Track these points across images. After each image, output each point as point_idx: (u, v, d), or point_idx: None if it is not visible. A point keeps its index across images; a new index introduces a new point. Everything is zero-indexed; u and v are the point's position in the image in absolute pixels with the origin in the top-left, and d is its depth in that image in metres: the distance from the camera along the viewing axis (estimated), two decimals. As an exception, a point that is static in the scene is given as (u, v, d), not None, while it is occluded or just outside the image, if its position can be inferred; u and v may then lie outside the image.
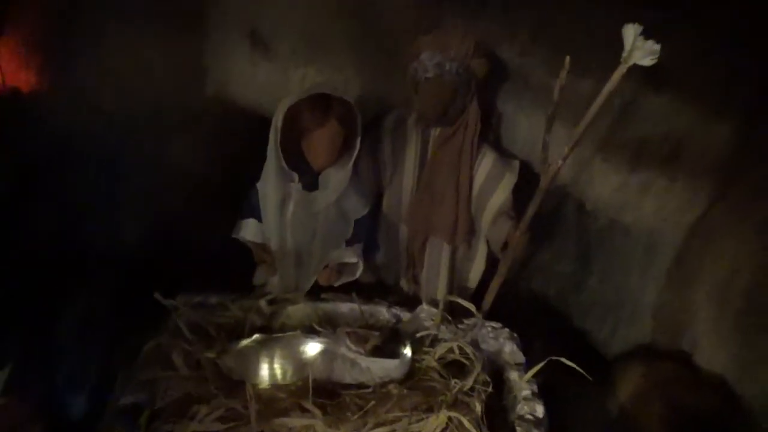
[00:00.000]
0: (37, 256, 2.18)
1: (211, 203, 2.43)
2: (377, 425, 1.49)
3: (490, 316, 2.04)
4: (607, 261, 2.54)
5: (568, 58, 1.58)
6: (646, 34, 1.50)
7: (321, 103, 1.83)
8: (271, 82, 2.31)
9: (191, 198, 2.48)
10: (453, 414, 1.51)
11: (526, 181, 2.16)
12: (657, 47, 1.44)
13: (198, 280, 2.03)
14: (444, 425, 1.51)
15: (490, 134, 2.31)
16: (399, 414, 1.52)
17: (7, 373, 0.62)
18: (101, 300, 2.11)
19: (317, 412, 1.50)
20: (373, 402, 1.57)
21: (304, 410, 1.52)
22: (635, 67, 1.55)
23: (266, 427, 1.47)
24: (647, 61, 1.47)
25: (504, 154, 2.26)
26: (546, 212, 2.37)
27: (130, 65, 2.23)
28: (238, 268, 2.26)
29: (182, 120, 2.36)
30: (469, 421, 1.50)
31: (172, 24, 2.19)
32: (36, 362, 1.77)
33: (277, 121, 1.85)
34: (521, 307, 2.58)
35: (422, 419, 1.51)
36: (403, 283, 2.38)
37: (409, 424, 1.50)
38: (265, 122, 2.01)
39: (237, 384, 1.61)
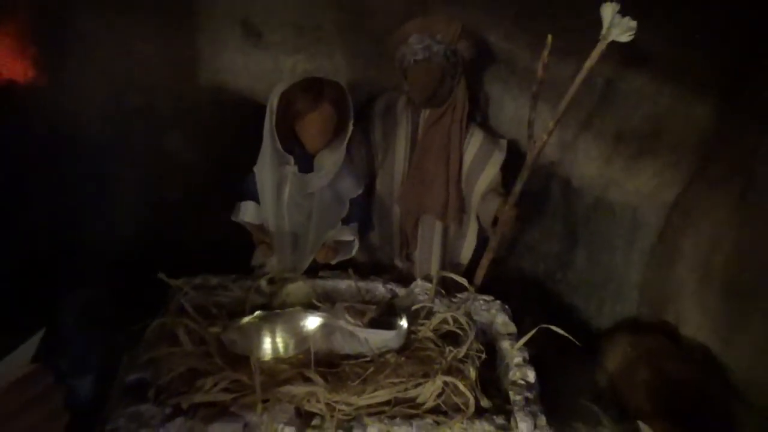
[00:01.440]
0: (33, 247, 2.21)
1: (205, 191, 2.47)
2: (376, 390, 1.54)
3: (482, 292, 2.07)
4: (593, 239, 2.62)
5: (550, 36, 1.66)
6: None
7: (314, 88, 1.88)
8: (262, 70, 2.35)
9: (186, 187, 2.52)
10: (448, 379, 1.56)
11: (514, 159, 2.21)
12: (633, 24, 1.52)
13: (194, 268, 2.05)
14: (440, 390, 1.56)
15: (478, 115, 2.37)
16: (397, 380, 1.58)
17: (38, 341, 0.66)
18: (101, 289, 2.15)
19: (319, 379, 1.55)
20: (371, 369, 1.62)
21: (307, 379, 1.57)
22: (615, 46, 1.63)
23: (270, 396, 1.51)
24: (625, 38, 1.54)
25: (492, 133, 2.32)
26: (534, 192, 2.44)
27: (123, 58, 2.26)
28: (234, 255, 2.28)
29: (176, 111, 2.39)
30: (464, 385, 1.55)
31: (164, 16, 2.22)
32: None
33: (272, 105, 1.89)
34: (512, 286, 2.64)
35: (419, 384, 1.57)
36: (398, 262, 2.44)
37: (406, 389, 1.56)
38: (257, 110, 2.05)
39: (240, 358, 1.66)
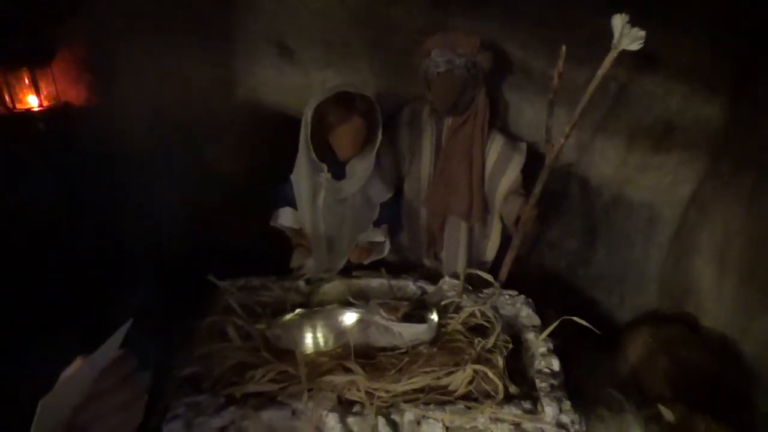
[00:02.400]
0: (86, 254, 2.35)
1: (243, 199, 2.59)
2: (412, 378, 1.62)
3: (506, 288, 2.13)
4: (611, 235, 2.68)
5: (564, 47, 1.74)
6: (633, 22, 1.66)
7: (345, 101, 1.98)
8: (295, 85, 2.47)
9: (225, 195, 2.64)
10: (478, 367, 1.64)
11: (533, 160, 2.29)
12: (642, 33, 1.60)
13: (234, 270, 2.14)
14: (471, 377, 1.63)
15: (498, 121, 2.45)
16: (430, 369, 1.66)
17: (126, 330, 0.75)
18: (153, 290, 2.28)
19: (359, 369, 1.64)
20: (406, 359, 1.71)
21: (347, 370, 1.66)
22: (625, 53, 1.71)
23: (314, 386, 1.60)
24: (635, 46, 1.63)
25: (512, 137, 2.40)
26: (553, 192, 2.51)
27: (166, 78, 2.39)
28: (270, 260, 2.37)
29: (214, 125, 2.53)
30: (493, 373, 1.63)
31: (203, 39, 2.36)
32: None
33: (307, 118, 1.99)
34: (534, 282, 2.70)
35: (451, 372, 1.64)
36: (426, 261, 2.53)
37: (439, 378, 1.64)
38: (290, 122, 2.16)
39: (285, 352, 1.75)
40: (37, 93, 2.27)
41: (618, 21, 1.63)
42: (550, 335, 1.83)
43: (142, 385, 0.78)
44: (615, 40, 1.65)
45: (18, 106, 2.26)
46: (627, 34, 1.61)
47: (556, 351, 1.81)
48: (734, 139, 2.26)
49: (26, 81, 2.25)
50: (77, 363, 0.73)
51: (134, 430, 0.76)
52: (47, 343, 1.96)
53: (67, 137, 2.32)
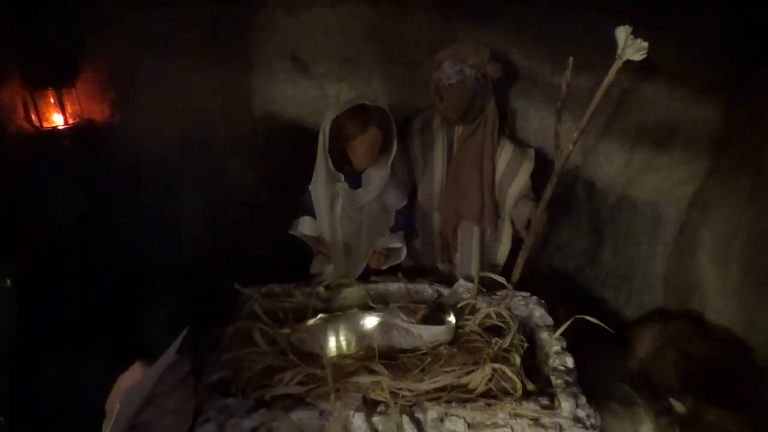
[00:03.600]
0: (113, 266, 2.41)
1: (262, 208, 2.65)
2: (434, 377, 1.67)
3: (518, 289, 2.16)
4: (618, 235, 2.72)
5: (571, 59, 1.79)
6: (636, 32, 1.70)
7: (361, 113, 2.02)
8: (310, 97, 2.53)
9: (244, 205, 2.70)
10: (497, 366, 1.68)
11: (541, 165, 2.34)
12: (645, 44, 1.65)
13: (255, 278, 2.18)
14: (490, 376, 1.67)
15: (507, 128, 2.50)
16: (450, 369, 1.70)
17: (182, 337, 0.80)
18: (179, 299, 2.34)
19: (383, 370, 1.68)
20: (428, 360, 1.75)
21: (371, 371, 1.69)
22: (628, 62, 1.75)
23: (340, 386, 1.64)
24: (638, 57, 1.67)
25: (520, 144, 2.45)
26: (560, 194, 2.55)
27: (186, 94, 2.46)
28: (290, 267, 2.44)
29: (233, 138, 2.59)
30: (511, 371, 1.67)
31: (221, 56, 2.42)
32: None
33: (325, 130, 2.04)
34: (545, 282, 2.76)
35: (471, 371, 1.69)
36: (440, 265, 2.57)
37: (459, 377, 1.68)
38: (306, 133, 2.22)
39: (309, 355, 1.79)
40: (63, 111, 2.32)
41: (622, 33, 1.67)
42: (562, 333, 1.85)
43: (193, 387, 0.84)
44: (619, 51, 1.69)
45: (44, 124, 2.30)
46: (631, 45, 1.66)
47: (569, 348, 1.83)
48: (732, 139, 2.30)
49: (52, 100, 2.30)
50: (135, 368, 0.78)
51: (186, 430, 0.82)
52: (80, 351, 2.03)
53: (91, 153, 2.38)
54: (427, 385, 1.65)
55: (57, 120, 2.32)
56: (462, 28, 2.34)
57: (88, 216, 2.36)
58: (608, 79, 1.74)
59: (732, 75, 2.23)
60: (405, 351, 1.85)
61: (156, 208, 2.48)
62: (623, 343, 2.46)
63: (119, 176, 2.43)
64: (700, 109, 2.32)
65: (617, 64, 1.71)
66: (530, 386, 1.69)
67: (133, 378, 0.77)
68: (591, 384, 1.80)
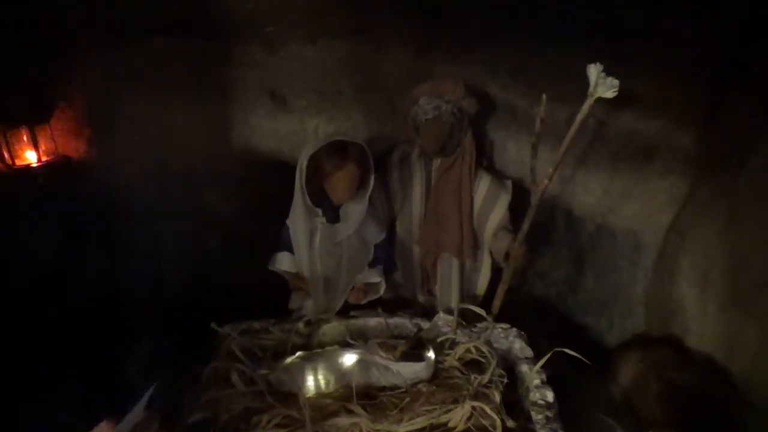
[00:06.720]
0: (89, 301, 2.38)
1: (241, 241, 2.64)
2: (413, 418, 1.66)
3: (499, 320, 2.18)
4: (598, 262, 2.73)
5: (544, 96, 1.82)
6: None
7: (339, 150, 2.03)
8: (289, 131, 2.54)
9: (223, 238, 2.69)
10: (476, 404, 1.68)
11: (519, 196, 2.36)
12: (616, 82, 1.68)
13: (234, 311, 2.17)
14: (469, 414, 1.68)
15: (484, 160, 2.52)
16: (430, 407, 1.70)
17: (150, 393, 0.80)
18: (156, 337, 2.31)
19: (362, 411, 1.67)
20: (407, 399, 1.74)
21: (349, 411, 1.69)
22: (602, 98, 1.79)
23: (319, 428, 1.63)
24: (610, 94, 1.70)
25: (498, 175, 2.47)
26: (540, 223, 2.56)
27: (165, 129, 2.46)
28: (269, 298, 2.41)
29: (212, 172, 2.58)
30: (490, 409, 1.67)
31: (200, 91, 2.43)
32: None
33: (302, 166, 2.04)
34: (526, 311, 2.75)
35: (450, 410, 1.69)
36: (420, 297, 2.57)
37: (440, 415, 1.68)
38: (285, 167, 2.22)
39: (288, 396, 1.77)
40: (36, 149, 2.30)
41: (593, 70, 1.70)
42: (543, 366, 1.86)
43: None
44: (591, 88, 1.72)
45: (17, 162, 2.29)
46: (602, 83, 1.69)
47: (550, 380, 1.84)
48: (709, 166, 2.33)
49: (25, 138, 2.28)
50: (102, 427, 0.79)
51: None
52: (53, 392, 1.99)
53: (68, 190, 2.36)
54: (406, 426, 1.65)
55: (30, 157, 2.30)
56: (439, 61, 2.37)
57: (64, 252, 2.34)
58: (580, 116, 1.77)
59: (707, 104, 2.27)
60: (384, 389, 1.85)
61: (135, 244, 2.46)
62: (605, 368, 2.46)
63: (97, 212, 2.40)
64: (677, 138, 2.34)
65: (589, 101, 1.74)
66: (510, 423, 1.69)
67: None
68: (573, 414, 1.81)
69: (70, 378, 2.08)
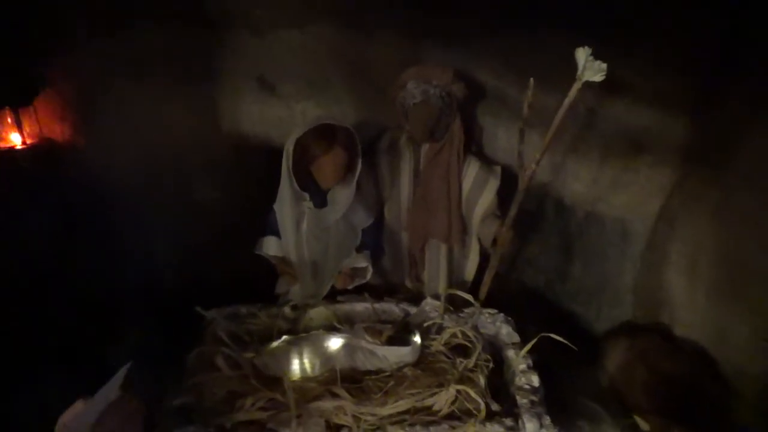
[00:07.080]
0: (80, 290, 2.36)
1: (230, 227, 2.62)
2: (397, 401, 1.66)
3: (486, 306, 2.18)
4: (587, 251, 2.73)
5: (531, 80, 1.81)
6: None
7: (326, 133, 2.02)
8: (277, 117, 2.53)
9: (213, 225, 2.66)
10: (461, 387, 1.69)
11: (508, 183, 2.32)
12: (604, 66, 1.67)
13: (223, 298, 2.16)
14: (453, 398, 1.68)
15: (473, 145, 2.52)
16: (414, 391, 1.70)
17: (125, 372, 0.79)
18: (146, 324, 2.29)
19: (346, 394, 1.67)
20: (392, 383, 1.74)
21: (334, 395, 1.69)
22: (590, 82, 1.78)
23: (303, 411, 1.63)
24: (597, 78, 1.69)
25: (487, 161, 2.46)
26: (529, 211, 2.57)
27: (154, 116, 2.43)
28: (257, 284, 2.40)
29: (201, 159, 2.56)
30: (475, 392, 1.68)
31: (189, 78, 2.41)
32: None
33: (288, 150, 2.04)
34: (515, 298, 2.75)
35: (435, 393, 1.69)
36: (408, 283, 2.57)
37: (423, 399, 1.68)
38: (274, 153, 2.20)
39: (273, 379, 1.77)
40: (20, 131, 2.29)
41: (581, 54, 1.69)
42: (530, 351, 1.87)
43: (141, 427, 0.83)
44: (579, 72, 1.71)
45: (1, 143, 2.27)
46: (590, 67, 1.68)
47: (537, 366, 1.85)
48: (698, 155, 2.33)
49: (9, 120, 2.27)
50: (77, 406, 0.77)
51: None
52: (44, 383, 1.98)
53: (52, 174, 2.33)
54: (389, 409, 1.65)
55: (14, 139, 2.28)
56: (428, 48, 2.36)
57: (49, 239, 2.32)
58: (568, 100, 1.76)
59: (697, 94, 2.27)
60: (370, 373, 1.84)
61: (123, 230, 2.44)
62: (594, 357, 2.47)
63: (83, 197, 2.38)
64: (666, 126, 2.34)
65: (576, 86, 1.73)
66: (495, 407, 1.70)
67: (74, 413, 0.77)
68: (559, 400, 1.82)
69: (59, 367, 2.07)
